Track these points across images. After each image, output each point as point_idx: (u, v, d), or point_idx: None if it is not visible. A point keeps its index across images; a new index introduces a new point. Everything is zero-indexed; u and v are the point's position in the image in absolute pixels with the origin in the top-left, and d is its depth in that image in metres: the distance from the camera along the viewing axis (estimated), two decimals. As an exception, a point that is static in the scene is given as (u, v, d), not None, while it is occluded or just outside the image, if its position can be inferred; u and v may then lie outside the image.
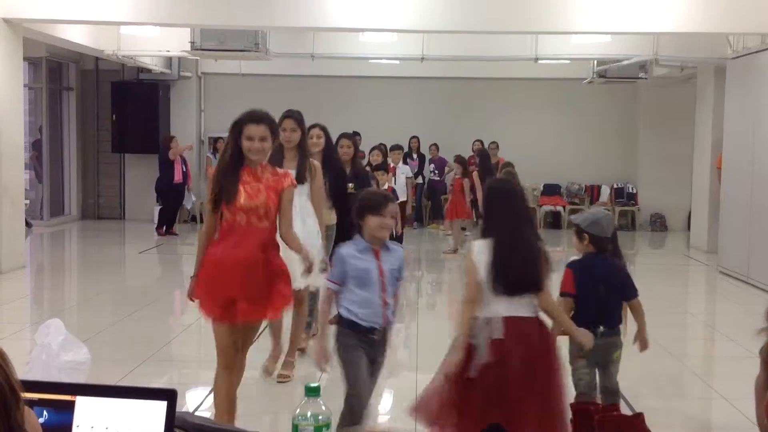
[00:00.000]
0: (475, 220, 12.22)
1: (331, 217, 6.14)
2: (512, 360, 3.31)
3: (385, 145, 15.24)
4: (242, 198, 4.10)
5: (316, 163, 5.70)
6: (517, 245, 3.54)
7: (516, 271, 3.48)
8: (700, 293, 10.89)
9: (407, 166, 12.88)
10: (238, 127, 4.18)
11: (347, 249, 3.86)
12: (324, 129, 6.33)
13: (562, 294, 4.17)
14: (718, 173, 11.92)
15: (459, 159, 12.53)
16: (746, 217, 10.23)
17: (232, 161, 4.16)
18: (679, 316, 8.72)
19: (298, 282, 4.78)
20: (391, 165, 11.10)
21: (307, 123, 5.95)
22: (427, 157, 15.30)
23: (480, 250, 3.58)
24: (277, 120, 4.69)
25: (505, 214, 3.59)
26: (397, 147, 12.20)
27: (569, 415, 3.38)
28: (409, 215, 13.76)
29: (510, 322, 3.42)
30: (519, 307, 3.50)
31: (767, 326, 1.16)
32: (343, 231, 5.73)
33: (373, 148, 9.92)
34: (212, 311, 4.11)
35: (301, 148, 5.59)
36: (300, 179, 5.24)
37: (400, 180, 11.72)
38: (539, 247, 3.61)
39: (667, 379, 6.19)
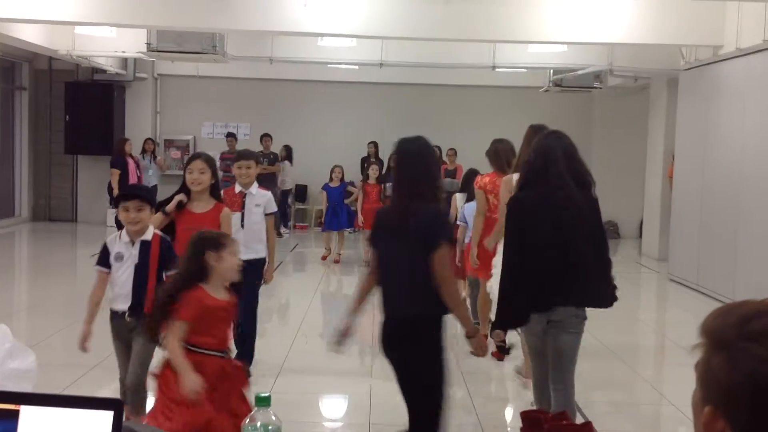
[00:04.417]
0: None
1: None
2: None
3: (373, 158, 15.17)
4: None
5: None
6: None
7: None
8: (650, 300, 11.05)
9: (266, 192, 5.91)
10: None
11: None
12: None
13: None
14: (670, 182, 12.13)
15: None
16: (696, 226, 10.42)
17: None
18: (630, 323, 8.84)
19: None
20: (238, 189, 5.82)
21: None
22: (385, 163, 15.31)
23: None
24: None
25: None
26: (244, 156, 6.00)
27: None
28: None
29: None
30: None
31: (702, 342, 1.17)
32: None
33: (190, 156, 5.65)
34: None
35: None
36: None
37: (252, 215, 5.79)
38: None
39: (617, 385, 6.27)
